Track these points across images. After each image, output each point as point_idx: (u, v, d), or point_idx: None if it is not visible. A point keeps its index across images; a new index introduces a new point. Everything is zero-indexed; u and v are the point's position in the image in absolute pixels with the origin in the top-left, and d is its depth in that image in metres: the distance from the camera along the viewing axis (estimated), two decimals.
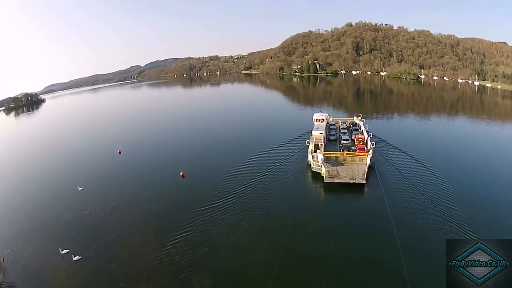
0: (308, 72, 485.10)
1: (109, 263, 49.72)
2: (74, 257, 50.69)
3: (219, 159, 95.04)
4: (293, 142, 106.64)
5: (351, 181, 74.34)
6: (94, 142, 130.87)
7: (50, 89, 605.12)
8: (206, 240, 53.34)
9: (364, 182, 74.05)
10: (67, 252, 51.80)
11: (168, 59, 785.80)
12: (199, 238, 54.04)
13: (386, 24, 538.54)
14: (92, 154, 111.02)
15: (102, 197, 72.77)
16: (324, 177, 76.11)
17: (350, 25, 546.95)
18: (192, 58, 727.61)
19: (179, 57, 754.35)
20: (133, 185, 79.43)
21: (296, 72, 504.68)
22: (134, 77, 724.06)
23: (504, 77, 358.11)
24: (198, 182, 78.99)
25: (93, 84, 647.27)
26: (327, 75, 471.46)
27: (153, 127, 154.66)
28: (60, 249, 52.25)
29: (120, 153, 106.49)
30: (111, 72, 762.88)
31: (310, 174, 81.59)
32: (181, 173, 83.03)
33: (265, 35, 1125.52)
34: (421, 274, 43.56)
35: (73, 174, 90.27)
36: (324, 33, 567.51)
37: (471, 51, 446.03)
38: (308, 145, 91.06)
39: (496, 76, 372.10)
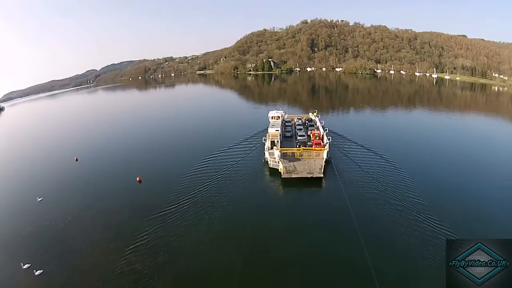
0: (263, 70, 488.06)
1: (72, 276, 47.25)
2: (36, 271, 47.64)
3: (175, 161, 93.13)
4: (249, 140, 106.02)
5: (309, 175, 74.47)
6: (51, 150, 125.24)
7: (9, 97, 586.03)
8: (164, 245, 51.35)
9: (322, 176, 74.36)
10: (29, 267, 48.78)
11: (124, 62, 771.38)
12: (158, 244, 51.99)
13: (342, 21, 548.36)
14: (50, 163, 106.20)
15: (61, 207, 69.16)
16: (282, 173, 75.88)
17: (305, 22, 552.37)
18: (147, 60, 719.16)
19: (134, 60, 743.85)
20: (91, 193, 76.03)
21: (250, 70, 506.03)
22: (90, 82, 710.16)
23: (463, 69, 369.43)
24: (154, 186, 76.43)
25: (50, 90, 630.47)
26: (281, 72, 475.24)
27: (108, 132, 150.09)
28: (22, 264, 49.16)
29: (77, 160, 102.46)
30: (68, 77, 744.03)
31: (267, 170, 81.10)
32: (137, 179, 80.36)
33: (219, 35, 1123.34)
34: (385, 265, 43.68)
35: (31, 185, 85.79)
36: (279, 31, 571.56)
37: (429, 45, 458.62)
38: (264, 142, 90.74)
39: (455, 68, 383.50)
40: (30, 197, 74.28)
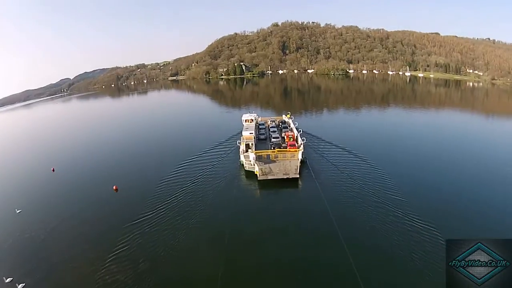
0: (234, 74, 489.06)
1: None
2: (18, 285, 46.61)
3: (151, 168, 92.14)
4: (224, 144, 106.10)
5: (285, 177, 75.20)
6: (27, 161, 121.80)
7: None
8: (143, 254, 50.50)
9: (298, 176, 75.26)
10: (11, 280, 47.80)
11: (96, 70, 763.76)
12: (137, 252, 51.10)
13: (313, 22, 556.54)
14: (27, 173, 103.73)
15: (41, 218, 67.65)
16: (258, 175, 76.56)
17: (276, 25, 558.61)
18: (119, 67, 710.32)
19: (107, 67, 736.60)
20: (69, 203, 74.41)
21: (222, 75, 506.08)
22: (64, 90, 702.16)
23: (436, 66, 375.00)
24: (130, 195, 74.98)
25: (25, 100, 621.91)
26: (253, 76, 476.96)
27: (83, 141, 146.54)
28: (4, 278, 48.25)
29: (53, 170, 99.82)
30: (42, 86, 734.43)
31: (243, 173, 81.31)
32: (114, 187, 79.11)
33: (191, 40, 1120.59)
34: (368, 266, 43.38)
35: (9, 196, 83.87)
36: (250, 34, 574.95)
37: (402, 43, 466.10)
38: (239, 146, 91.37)
39: (428, 65, 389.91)
40: (8, 209, 72.83)
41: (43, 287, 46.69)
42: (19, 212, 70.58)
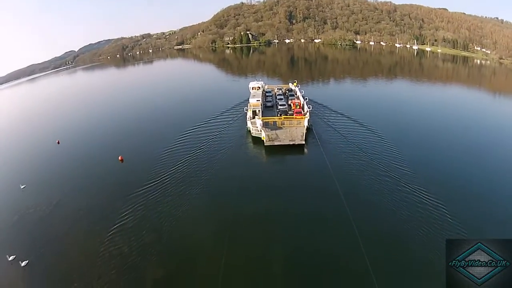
0: (241, 43, 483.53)
1: (59, 264, 46.11)
2: (22, 262, 46.41)
3: (156, 137, 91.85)
4: (230, 111, 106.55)
5: (291, 143, 76.29)
6: (33, 135, 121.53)
7: None
8: (148, 224, 50.67)
9: (304, 142, 76.30)
10: (14, 258, 47.43)
11: (101, 41, 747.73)
12: (141, 224, 51.10)
13: None
14: (32, 147, 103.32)
15: (45, 193, 67.38)
16: (265, 141, 77.57)
17: None
18: (125, 38, 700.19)
19: (112, 38, 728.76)
20: (73, 176, 74.39)
21: (228, 44, 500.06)
22: (69, 63, 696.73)
23: (444, 41, 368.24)
24: (135, 164, 75.65)
25: (30, 75, 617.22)
26: (260, 45, 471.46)
27: (89, 112, 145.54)
28: (7, 256, 47.82)
29: (58, 143, 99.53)
30: (47, 60, 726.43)
31: (250, 139, 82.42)
32: (119, 158, 79.20)
33: (196, 9, 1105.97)
34: (374, 243, 42.63)
35: (14, 172, 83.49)
36: (256, 4, 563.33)
37: (409, 17, 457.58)
38: (246, 113, 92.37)
39: (436, 40, 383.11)
40: (13, 185, 72.42)
41: (48, 262, 46.56)
42: (23, 188, 70.44)
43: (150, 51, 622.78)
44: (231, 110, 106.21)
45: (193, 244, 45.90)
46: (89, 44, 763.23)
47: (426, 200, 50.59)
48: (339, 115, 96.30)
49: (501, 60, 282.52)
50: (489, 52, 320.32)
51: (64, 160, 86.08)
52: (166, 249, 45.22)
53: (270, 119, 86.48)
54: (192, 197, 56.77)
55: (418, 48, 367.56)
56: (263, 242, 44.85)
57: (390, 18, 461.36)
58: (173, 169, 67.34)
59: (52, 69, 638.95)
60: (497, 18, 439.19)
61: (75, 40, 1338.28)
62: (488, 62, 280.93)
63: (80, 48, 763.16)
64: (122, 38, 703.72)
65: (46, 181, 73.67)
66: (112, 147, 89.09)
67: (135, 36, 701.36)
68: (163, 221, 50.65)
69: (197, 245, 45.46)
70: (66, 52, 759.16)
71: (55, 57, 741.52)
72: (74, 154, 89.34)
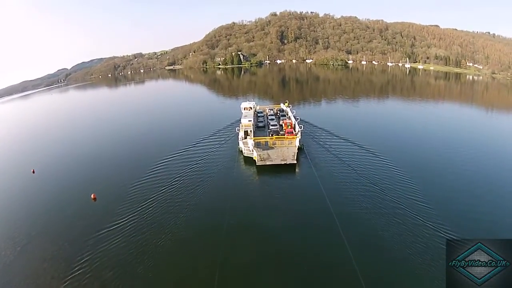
0: (232, 64, 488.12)
1: None
2: None
3: (150, 154, 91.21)
4: (222, 131, 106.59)
5: (282, 162, 76.33)
6: (8, 161, 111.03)
7: None
8: (136, 245, 48.49)
9: (295, 162, 76.43)
10: None
11: (94, 59, 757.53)
12: (130, 243, 49.27)
13: (311, 12, 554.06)
14: (4, 177, 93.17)
15: (12, 234, 58.36)
16: (256, 161, 77.40)
17: (274, 14, 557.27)
18: (117, 57, 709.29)
19: (104, 57, 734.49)
20: (45, 210, 66.55)
21: (219, 64, 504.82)
22: (61, 81, 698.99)
23: (436, 59, 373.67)
24: (124, 183, 72.45)
25: (22, 91, 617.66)
26: (251, 65, 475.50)
27: (75, 136, 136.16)
28: None
29: (33, 172, 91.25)
30: (39, 77, 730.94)
31: (242, 159, 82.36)
32: (93, 195, 69.53)
33: (188, 29, 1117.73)
34: (366, 257, 42.73)
35: None
36: (248, 24, 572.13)
37: (401, 35, 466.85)
38: (238, 133, 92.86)
39: (428, 58, 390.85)
40: None
41: None
42: None
43: (142, 71, 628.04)
44: (223, 131, 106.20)
45: (186, 262, 44.73)
46: (82, 62, 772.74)
47: (424, 222, 49.79)
48: (330, 134, 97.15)
49: (494, 75, 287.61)
50: (481, 67, 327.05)
51: (38, 193, 76.71)
52: (159, 267, 43.61)
53: (262, 139, 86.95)
54: (186, 213, 56.37)
55: (410, 66, 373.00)
56: (254, 262, 43.82)
57: (382, 37, 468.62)
58: (164, 189, 65.84)
59: (44, 87, 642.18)
60: (488, 32, 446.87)
61: (68, 58, 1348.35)
62: (481, 77, 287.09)
63: (73, 66, 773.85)
64: (114, 57, 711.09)
65: (14, 220, 63.93)
66: (92, 176, 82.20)
67: (127, 55, 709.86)
68: (156, 240, 49.21)
69: (191, 264, 44.25)
70: (59, 70, 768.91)
71: (48, 74, 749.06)
72: (49, 185, 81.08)
